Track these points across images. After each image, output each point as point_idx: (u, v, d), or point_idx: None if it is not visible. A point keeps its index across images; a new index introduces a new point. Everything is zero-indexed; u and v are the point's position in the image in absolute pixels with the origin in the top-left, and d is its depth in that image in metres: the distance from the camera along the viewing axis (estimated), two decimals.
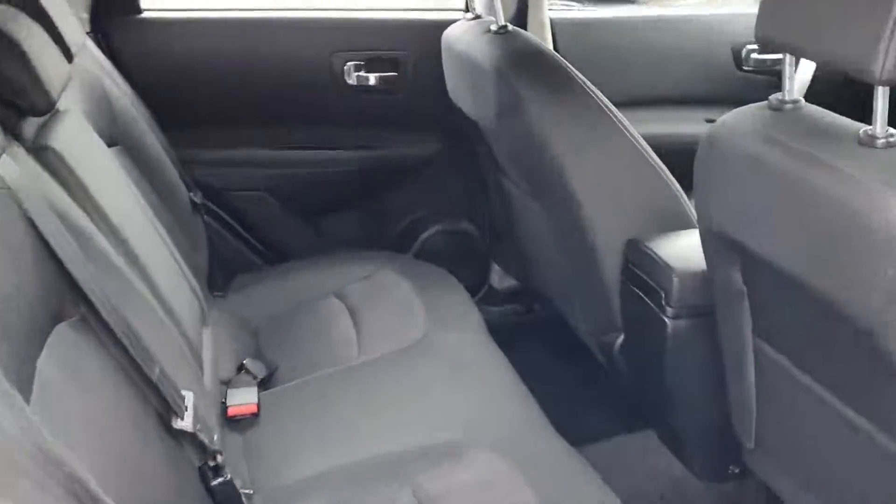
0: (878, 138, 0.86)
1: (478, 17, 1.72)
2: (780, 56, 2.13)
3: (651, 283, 1.38)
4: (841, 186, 0.86)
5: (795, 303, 1.08)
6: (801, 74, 2.04)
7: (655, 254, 1.38)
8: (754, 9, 2.25)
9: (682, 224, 1.47)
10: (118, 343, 0.95)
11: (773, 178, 0.96)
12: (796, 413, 1.18)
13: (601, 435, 1.73)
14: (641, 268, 1.41)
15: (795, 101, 1.01)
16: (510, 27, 1.56)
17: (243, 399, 1.40)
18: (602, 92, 1.46)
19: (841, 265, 0.88)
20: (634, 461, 1.69)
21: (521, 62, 1.47)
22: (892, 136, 0.86)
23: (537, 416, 1.41)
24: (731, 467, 1.43)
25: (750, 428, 1.30)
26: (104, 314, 0.94)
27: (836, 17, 0.86)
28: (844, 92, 2.11)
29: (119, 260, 1.12)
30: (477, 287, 2.13)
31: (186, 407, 1.03)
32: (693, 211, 1.49)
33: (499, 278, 2.16)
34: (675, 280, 1.32)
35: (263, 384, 1.48)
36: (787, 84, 1.01)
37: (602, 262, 1.48)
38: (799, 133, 0.95)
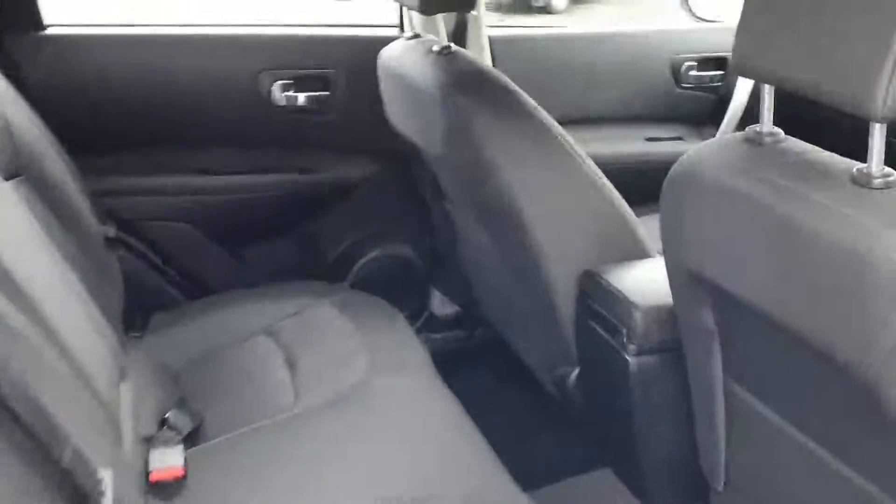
0: (874, 178, 0.80)
1: (416, 36, 1.62)
2: (717, 73, 2.14)
3: (611, 318, 1.30)
4: (837, 228, 0.79)
5: (775, 346, 1.01)
6: (738, 96, 2.02)
7: (615, 288, 1.30)
8: (693, 24, 2.23)
9: (637, 252, 1.41)
10: (21, 424, 0.81)
11: (756, 218, 0.89)
12: (771, 457, 1.12)
13: (556, 474, 1.65)
14: (599, 302, 1.33)
15: (774, 134, 0.94)
16: (453, 47, 1.47)
17: (168, 460, 1.25)
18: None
19: (838, 312, 0.81)
20: (593, 502, 1.61)
21: (468, 85, 1.38)
22: (889, 175, 0.80)
23: (491, 465, 1.32)
24: None
25: (719, 469, 1.23)
26: (3, 389, 0.80)
27: (827, 48, 0.79)
28: (786, 111, 2.11)
29: (20, 320, 0.97)
30: (417, 314, 2.03)
31: (104, 490, 0.89)
32: (646, 238, 1.43)
33: (440, 304, 2.06)
34: (638, 316, 1.25)
35: (189, 439, 1.33)
36: (765, 116, 0.94)
37: (555, 294, 1.40)
38: (784, 170, 0.88)
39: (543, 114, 1.38)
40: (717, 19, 2.24)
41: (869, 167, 0.80)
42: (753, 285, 0.94)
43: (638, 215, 1.45)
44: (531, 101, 1.38)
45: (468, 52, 1.49)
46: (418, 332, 2.02)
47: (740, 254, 0.94)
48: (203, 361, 1.55)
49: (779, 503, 1.15)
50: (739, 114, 2.04)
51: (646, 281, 1.31)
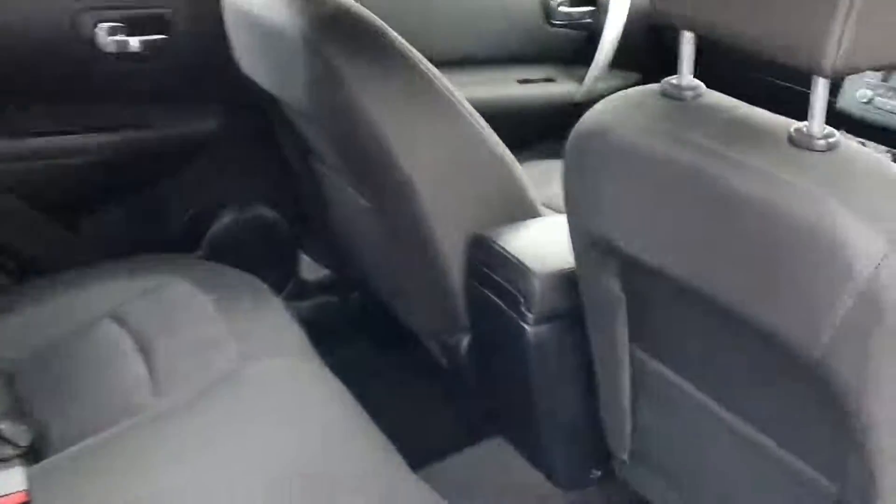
0: (815, 139, 0.72)
1: None
2: (587, 8, 2.06)
3: (506, 285, 1.21)
4: (778, 196, 0.71)
5: (691, 316, 0.94)
6: (608, 33, 1.94)
7: (509, 253, 1.20)
8: None
9: (528, 210, 1.31)
10: None
11: (680, 183, 0.80)
12: (683, 427, 1.07)
13: (447, 445, 1.56)
14: (492, 268, 1.23)
15: (694, 87, 0.85)
16: None
17: (4, 485, 1.06)
18: None
19: (777, 288, 0.74)
20: (489, 475, 1.54)
21: (335, 30, 1.20)
22: (830, 135, 0.72)
23: (379, 442, 1.21)
24: (592, 471, 1.32)
25: (624, 439, 1.18)
26: None
27: None
28: (651, 48, 2.05)
29: None
30: (283, 280, 1.87)
31: None
32: (534, 195, 1.34)
33: (308, 268, 1.90)
34: (536, 283, 1.16)
35: (31, 455, 1.14)
36: (684, 67, 0.84)
37: (442, 259, 1.29)
38: (710, 128, 0.79)
39: (422, 59, 1.24)
40: None
41: (810, 127, 0.72)
42: (675, 256, 0.85)
43: None
44: (408, 46, 1.23)
45: None
46: (286, 300, 1.87)
47: (660, 222, 0.85)
48: (40, 357, 1.33)
49: (689, 473, 1.11)
50: (611, 53, 1.97)
51: (541, 243, 1.22)
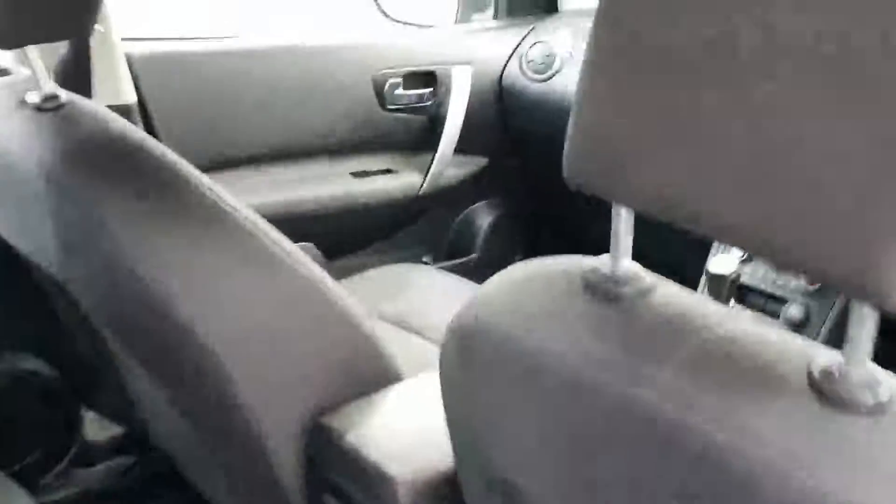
0: (856, 388, 0.45)
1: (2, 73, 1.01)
2: (425, 91, 1.80)
3: (360, 497, 0.88)
4: (813, 483, 0.44)
5: None
6: (452, 119, 1.70)
7: (360, 452, 0.88)
8: (392, 31, 1.86)
9: (379, 373, 1.00)
10: None
11: (645, 437, 0.51)
12: None
13: None
14: (340, 472, 0.91)
15: (633, 280, 0.55)
16: (63, 96, 0.91)
17: None
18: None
19: None
20: None
21: (92, 160, 0.84)
22: (875, 383, 0.45)
23: None
24: None
25: None
26: None
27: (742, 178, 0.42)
28: (497, 129, 1.82)
29: None
30: (63, 446, 1.45)
31: None
32: (387, 349, 1.02)
33: (96, 426, 1.49)
34: (402, 494, 0.84)
35: None
36: (619, 248, 0.54)
37: (271, 459, 0.95)
38: (680, 360, 0.51)
39: (222, 196, 0.90)
40: (413, 21, 1.89)
41: (845, 369, 0.45)
42: None
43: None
44: (195, 173, 0.89)
45: (90, 105, 0.93)
46: (69, 469, 1.45)
47: (606, 481, 0.56)
48: None
49: None
50: (455, 137, 1.73)
51: (404, 428, 0.91)
